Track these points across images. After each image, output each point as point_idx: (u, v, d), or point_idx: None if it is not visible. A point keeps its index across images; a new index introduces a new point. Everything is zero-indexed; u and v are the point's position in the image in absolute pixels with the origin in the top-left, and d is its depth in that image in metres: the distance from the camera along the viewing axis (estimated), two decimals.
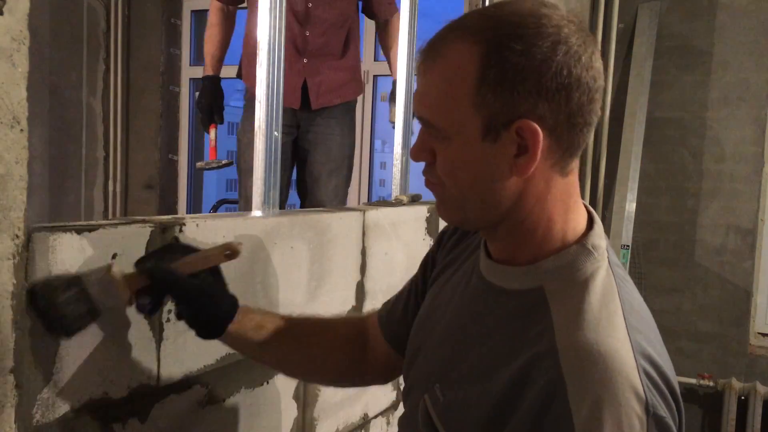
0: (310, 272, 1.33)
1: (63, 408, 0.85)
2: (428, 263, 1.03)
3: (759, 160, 3.09)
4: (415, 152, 0.80)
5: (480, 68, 0.70)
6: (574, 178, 0.78)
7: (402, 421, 0.94)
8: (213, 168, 2.33)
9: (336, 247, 1.41)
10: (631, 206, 3.18)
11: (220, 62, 2.32)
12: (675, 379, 0.72)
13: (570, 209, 0.78)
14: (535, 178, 0.74)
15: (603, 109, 3.29)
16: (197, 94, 3.93)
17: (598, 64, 0.73)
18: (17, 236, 0.77)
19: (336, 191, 2.27)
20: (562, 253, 0.76)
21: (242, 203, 2.36)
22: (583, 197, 3.35)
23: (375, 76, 3.61)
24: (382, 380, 1.14)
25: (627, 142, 3.20)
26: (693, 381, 3.14)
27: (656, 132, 3.25)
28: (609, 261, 0.77)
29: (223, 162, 2.33)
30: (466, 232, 0.96)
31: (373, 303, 1.57)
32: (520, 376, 0.71)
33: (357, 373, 1.08)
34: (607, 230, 3.25)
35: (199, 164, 2.41)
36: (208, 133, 2.33)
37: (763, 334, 3.15)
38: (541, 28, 0.70)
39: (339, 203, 2.28)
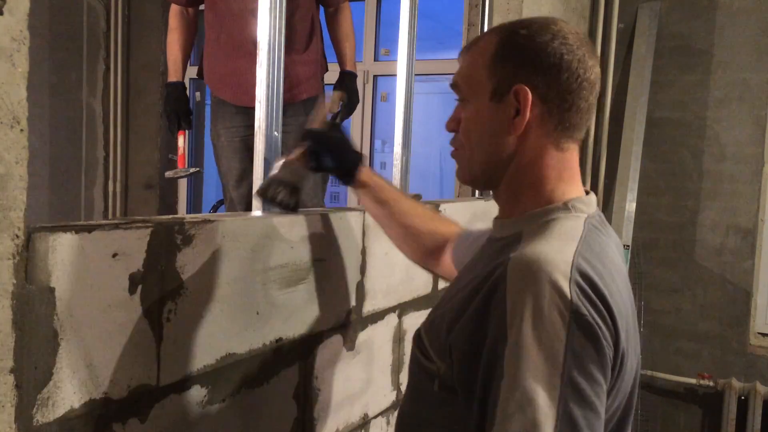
0: (309, 272, 1.33)
1: (63, 408, 0.85)
2: None
3: (759, 160, 3.09)
4: (448, 122, 1.02)
5: (496, 47, 0.93)
6: (571, 156, 0.95)
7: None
8: (181, 177, 2.33)
9: (336, 247, 1.41)
10: (631, 206, 3.18)
11: (183, 67, 2.28)
12: (617, 309, 0.81)
13: (563, 180, 0.94)
14: (529, 141, 0.92)
15: (602, 109, 3.29)
16: (197, 94, 3.93)
17: (591, 62, 0.92)
18: (17, 236, 0.77)
19: (315, 190, 2.18)
20: (544, 207, 0.93)
21: (227, 205, 2.32)
22: None
23: (375, 76, 3.61)
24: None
25: (627, 142, 3.20)
26: (693, 381, 3.14)
27: (656, 132, 3.25)
28: (588, 221, 0.91)
29: (191, 170, 2.31)
30: None
31: (373, 303, 1.57)
32: (482, 282, 0.85)
33: (434, 264, 1.38)
34: None
35: (168, 174, 2.39)
36: (176, 140, 2.32)
37: (763, 334, 3.15)
38: (545, 26, 0.92)
39: (318, 203, 2.19)
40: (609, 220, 3.23)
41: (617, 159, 3.24)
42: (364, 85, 3.53)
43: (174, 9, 2.28)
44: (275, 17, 1.37)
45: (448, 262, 1.32)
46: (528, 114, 0.90)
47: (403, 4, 1.86)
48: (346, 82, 2.28)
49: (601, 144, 3.31)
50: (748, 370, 3.10)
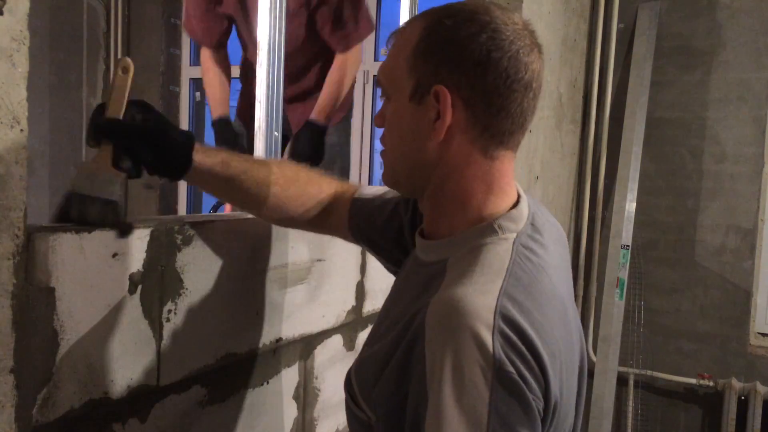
0: (309, 272, 1.33)
1: (63, 408, 0.85)
2: (416, 225, 1.04)
3: (759, 160, 3.09)
4: (375, 117, 0.92)
5: (418, 38, 0.82)
6: (502, 165, 0.84)
7: None
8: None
9: (336, 247, 1.41)
10: (631, 206, 3.18)
11: (224, 102, 2.18)
12: (548, 353, 0.74)
13: (493, 192, 0.84)
14: (453, 148, 0.82)
15: (602, 109, 3.28)
16: (197, 94, 3.92)
17: (528, 60, 0.80)
18: (17, 236, 0.77)
19: None
20: (471, 229, 0.83)
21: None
22: (582, 197, 3.37)
23: (375, 76, 3.61)
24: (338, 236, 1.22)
25: (627, 142, 3.20)
26: (693, 381, 3.14)
27: (656, 132, 3.25)
28: (516, 241, 0.82)
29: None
30: None
31: (373, 303, 1.57)
32: (404, 329, 0.78)
33: (317, 227, 1.17)
34: (607, 230, 3.25)
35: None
36: None
37: (763, 334, 3.15)
38: (475, 15, 0.80)
39: None
40: (609, 220, 3.24)
41: (617, 159, 3.24)
42: (364, 85, 3.52)
43: (204, 51, 2.22)
44: (275, 17, 1.37)
45: (342, 229, 1.14)
46: (449, 118, 0.80)
47: (403, 4, 1.86)
48: (305, 131, 2.04)
49: (601, 144, 3.31)
50: (748, 370, 3.10)
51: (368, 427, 0.84)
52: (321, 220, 1.13)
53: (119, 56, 3.71)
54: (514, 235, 0.82)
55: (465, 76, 0.79)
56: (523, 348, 0.71)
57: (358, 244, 1.16)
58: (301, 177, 1.13)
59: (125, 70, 0.93)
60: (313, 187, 1.13)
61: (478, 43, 0.78)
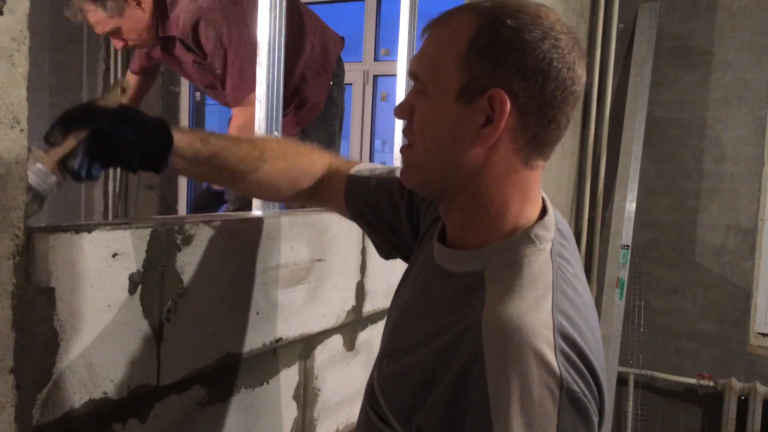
0: (309, 272, 1.33)
1: (63, 408, 0.85)
2: (413, 212, 1.03)
3: (759, 160, 3.09)
4: (398, 108, 0.84)
5: (473, 34, 0.75)
6: (537, 175, 0.81)
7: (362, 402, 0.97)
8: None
9: (336, 247, 1.41)
10: (631, 206, 3.18)
11: None
12: (600, 368, 0.73)
13: (528, 201, 0.81)
14: (498, 156, 0.77)
15: (602, 109, 3.29)
16: (197, 94, 3.92)
17: (581, 71, 0.77)
18: (17, 236, 0.77)
19: None
20: (507, 239, 0.79)
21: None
22: (582, 197, 3.37)
23: (375, 76, 3.61)
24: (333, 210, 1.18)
25: (627, 142, 3.20)
26: (693, 381, 3.14)
27: (656, 132, 3.25)
28: (552, 251, 0.79)
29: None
30: (436, 219, 0.96)
31: (373, 303, 1.57)
32: (450, 346, 0.74)
33: (311, 201, 1.14)
34: (607, 230, 3.25)
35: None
36: None
37: (763, 334, 3.15)
38: (536, 19, 0.75)
39: None
40: (609, 220, 3.24)
41: (617, 159, 3.24)
42: (364, 85, 3.53)
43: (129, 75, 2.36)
44: (275, 17, 1.37)
45: (338, 205, 1.10)
46: (502, 125, 0.75)
47: (403, 4, 1.86)
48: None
49: (601, 144, 3.31)
50: (748, 370, 3.10)
51: None
52: (314, 194, 1.10)
53: (119, 57, 3.70)
54: (550, 244, 0.80)
55: (524, 82, 0.74)
56: (582, 366, 0.70)
57: (353, 221, 1.13)
58: (289, 151, 1.09)
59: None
60: (303, 160, 1.08)
61: (542, 50, 0.74)
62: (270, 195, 1.13)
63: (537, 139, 0.77)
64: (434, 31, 0.80)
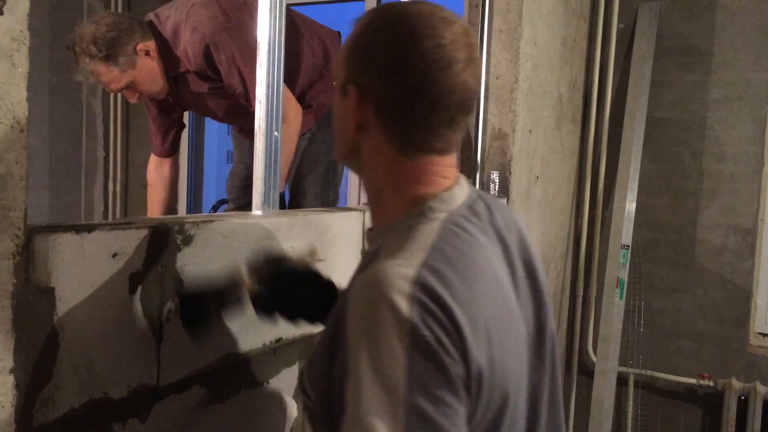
0: None
1: (63, 408, 0.85)
2: None
3: (759, 160, 3.09)
4: None
5: (354, 37, 0.88)
6: (426, 165, 0.87)
7: None
8: None
9: (336, 247, 1.41)
10: (631, 206, 3.18)
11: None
12: (470, 313, 0.76)
13: (422, 183, 0.87)
14: (371, 146, 0.88)
15: (602, 109, 3.29)
16: None
17: (443, 76, 0.82)
18: (17, 236, 0.77)
19: (323, 188, 2.25)
20: (405, 214, 0.86)
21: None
22: (582, 197, 3.36)
23: None
24: None
25: (627, 142, 3.20)
26: (693, 381, 3.14)
27: (656, 132, 3.25)
28: (446, 220, 0.84)
29: None
30: None
31: None
32: (337, 308, 0.82)
33: None
34: (607, 230, 3.25)
35: None
36: None
37: (763, 334, 3.15)
38: (394, 25, 0.84)
39: (325, 201, 2.25)
40: (609, 220, 3.24)
41: (617, 159, 3.24)
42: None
43: (152, 160, 2.32)
44: (275, 17, 1.37)
45: None
46: (357, 117, 0.86)
47: None
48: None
49: (601, 144, 3.31)
50: (748, 370, 3.10)
51: (315, 414, 0.86)
52: None
53: None
54: (444, 215, 0.84)
55: (377, 79, 0.84)
56: (440, 313, 0.73)
57: None
58: None
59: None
60: None
61: (390, 53, 0.82)
62: None
63: (400, 135, 0.85)
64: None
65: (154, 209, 2.30)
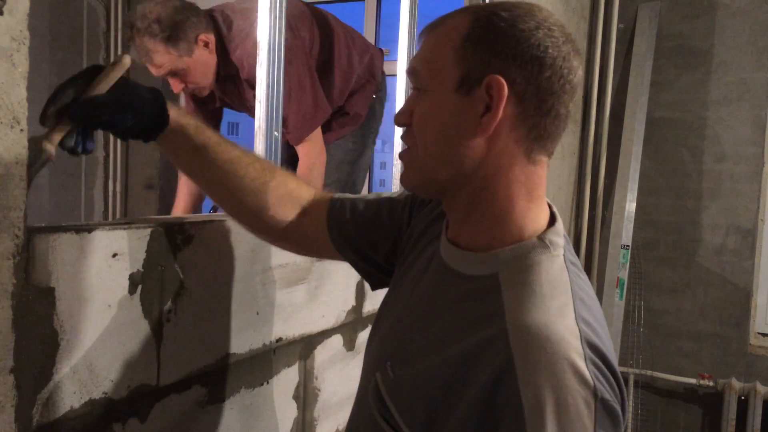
0: (309, 272, 1.33)
1: (63, 408, 0.85)
2: (403, 222, 1.00)
3: (759, 160, 3.09)
4: (397, 115, 0.84)
5: (468, 28, 0.76)
6: (542, 171, 0.80)
7: (356, 403, 0.95)
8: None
9: None
10: (631, 206, 3.18)
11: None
12: (619, 374, 0.73)
13: (533, 200, 0.80)
14: (499, 147, 0.77)
15: (602, 109, 3.29)
16: None
17: (576, 63, 0.78)
18: (17, 236, 0.77)
19: (352, 175, 2.27)
20: (521, 244, 0.78)
21: None
22: (582, 197, 3.36)
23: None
24: (301, 252, 1.14)
25: (627, 142, 3.20)
26: (693, 381, 3.14)
27: (656, 132, 3.25)
28: (565, 258, 0.79)
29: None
30: (434, 219, 0.95)
31: (373, 303, 1.57)
32: (472, 355, 0.73)
33: (282, 231, 1.04)
34: (607, 230, 3.25)
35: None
36: None
37: (763, 334, 3.15)
38: (529, 13, 0.76)
39: (352, 187, 2.28)
40: (609, 220, 3.24)
41: (617, 159, 3.24)
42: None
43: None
44: (275, 17, 1.37)
45: (320, 236, 1.04)
46: (500, 112, 0.74)
47: (403, 4, 1.86)
48: None
49: (601, 144, 3.31)
50: (748, 370, 3.10)
51: None
52: (295, 224, 1.03)
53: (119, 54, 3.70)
54: (563, 251, 0.79)
55: (521, 69, 0.74)
56: (609, 374, 0.70)
57: (336, 252, 1.06)
58: (278, 170, 1.05)
59: (121, 67, 0.88)
60: (292, 182, 1.04)
61: (536, 38, 0.74)
62: (248, 211, 1.02)
63: (537, 129, 0.77)
64: (431, 32, 0.81)
65: (181, 203, 2.27)
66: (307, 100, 1.97)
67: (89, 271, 0.88)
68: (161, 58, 1.90)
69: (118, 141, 3.75)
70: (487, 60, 0.75)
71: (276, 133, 1.40)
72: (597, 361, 0.70)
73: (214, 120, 2.27)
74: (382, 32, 3.58)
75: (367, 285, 1.54)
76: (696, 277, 3.19)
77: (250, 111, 2.17)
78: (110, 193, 3.75)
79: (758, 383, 3.01)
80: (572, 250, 0.83)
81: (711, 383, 3.11)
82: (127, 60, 0.88)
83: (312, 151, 2.00)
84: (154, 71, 1.99)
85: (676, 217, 3.24)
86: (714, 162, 3.17)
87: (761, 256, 3.12)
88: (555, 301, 0.73)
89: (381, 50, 2.36)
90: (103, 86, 0.86)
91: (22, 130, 0.76)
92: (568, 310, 0.72)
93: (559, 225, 0.82)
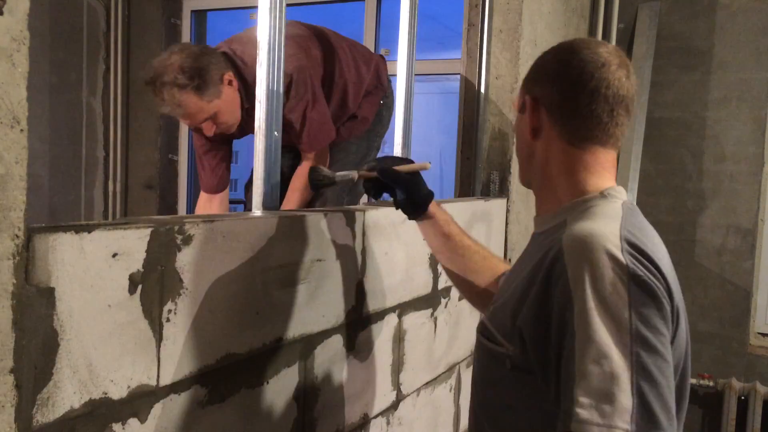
0: (310, 272, 1.33)
1: (63, 408, 0.85)
2: None
3: (759, 160, 3.09)
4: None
5: (530, 71, 1.11)
6: (594, 155, 1.04)
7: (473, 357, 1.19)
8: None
9: (336, 247, 1.41)
10: None
11: None
12: (664, 266, 0.91)
13: (592, 173, 1.04)
14: (544, 143, 1.06)
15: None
16: None
17: (600, 73, 1.01)
18: (17, 236, 0.77)
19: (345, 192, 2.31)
20: (582, 197, 1.02)
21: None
22: None
23: None
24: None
25: (627, 142, 3.20)
26: (693, 381, 3.14)
27: (656, 132, 3.25)
28: (624, 205, 0.99)
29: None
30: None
31: (373, 303, 1.57)
32: (538, 265, 0.95)
33: (480, 295, 1.40)
34: None
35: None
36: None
37: (763, 334, 3.15)
38: (563, 45, 1.07)
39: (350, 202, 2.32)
40: None
41: (617, 159, 3.24)
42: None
43: (202, 197, 2.27)
44: (275, 17, 1.37)
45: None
46: (533, 121, 1.06)
47: (403, 4, 1.86)
48: None
49: None
50: (748, 370, 3.10)
51: (504, 358, 0.99)
52: (491, 291, 1.34)
53: (119, 57, 3.70)
54: (621, 201, 1.01)
55: (545, 86, 1.05)
56: (647, 261, 0.88)
57: None
58: (493, 258, 1.43)
59: (421, 165, 1.37)
60: (501, 266, 1.39)
61: (555, 62, 1.05)
62: (465, 282, 1.42)
63: (570, 125, 1.03)
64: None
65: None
66: (326, 113, 2.03)
67: (89, 271, 0.88)
68: (194, 108, 1.87)
69: (118, 141, 3.76)
70: (528, 89, 1.08)
71: (276, 133, 1.40)
72: (634, 252, 0.88)
73: (228, 160, 2.28)
74: (382, 32, 3.58)
75: (367, 285, 1.54)
76: (696, 277, 3.19)
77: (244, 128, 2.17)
78: (110, 193, 3.75)
79: (758, 383, 3.01)
80: (637, 209, 1.03)
81: (711, 383, 3.11)
82: (427, 165, 1.37)
83: (320, 157, 2.08)
84: (188, 123, 1.95)
85: (676, 217, 3.24)
86: (714, 162, 3.17)
87: (761, 256, 3.12)
88: (603, 219, 0.94)
89: (383, 57, 2.40)
90: (405, 169, 1.35)
91: (22, 130, 0.76)
92: (615, 222, 0.93)
93: (621, 189, 1.04)
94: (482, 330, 1.09)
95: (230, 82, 1.93)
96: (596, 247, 0.87)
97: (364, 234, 1.51)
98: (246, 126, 2.10)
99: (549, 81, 1.04)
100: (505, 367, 0.99)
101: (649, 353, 0.81)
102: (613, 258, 0.86)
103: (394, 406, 1.71)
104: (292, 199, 2.05)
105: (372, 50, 3.56)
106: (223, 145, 2.23)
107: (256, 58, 1.67)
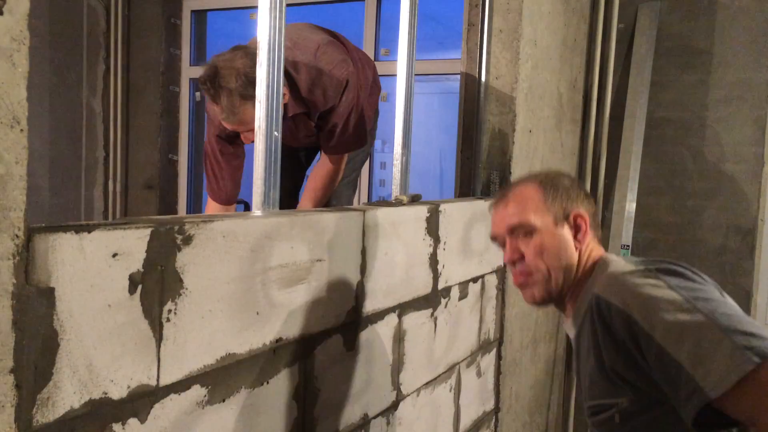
0: (309, 272, 1.33)
1: (63, 408, 0.85)
2: None
3: (759, 160, 3.09)
4: (508, 258, 1.36)
5: (541, 189, 1.37)
6: (596, 242, 1.42)
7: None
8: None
9: (336, 247, 1.41)
10: (631, 206, 3.18)
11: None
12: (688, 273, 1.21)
13: (594, 252, 1.39)
14: (584, 244, 1.36)
15: (602, 109, 3.29)
16: (197, 94, 3.93)
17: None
18: (17, 236, 0.77)
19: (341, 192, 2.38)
20: (592, 272, 1.34)
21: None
22: None
23: None
24: None
25: (627, 142, 3.20)
26: None
27: (656, 132, 3.25)
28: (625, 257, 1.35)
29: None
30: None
31: (373, 303, 1.57)
32: (588, 329, 1.24)
33: None
34: (607, 230, 3.25)
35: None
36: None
37: None
38: (563, 175, 1.45)
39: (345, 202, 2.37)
40: (609, 220, 3.24)
41: (617, 159, 3.24)
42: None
43: (211, 207, 2.26)
44: (275, 17, 1.37)
45: None
46: (590, 230, 1.36)
47: (403, 4, 1.86)
48: None
49: (601, 144, 3.31)
50: None
51: (615, 413, 1.18)
52: None
53: (119, 57, 3.70)
54: (616, 258, 1.34)
55: (580, 203, 1.38)
56: (666, 264, 1.19)
57: None
58: None
59: None
60: None
61: (573, 184, 1.41)
62: None
63: (593, 225, 1.39)
64: (506, 201, 1.38)
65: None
66: (364, 122, 2.12)
67: (89, 271, 0.88)
68: (250, 118, 1.78)
69: (118, 141, 3.76)
70: (566, 204, 1.35)
71: (276, 133, 1.40)
72: (651, 267, 1.19)
73: (243, 157, 2.24)
74: (382, 32, 3.58)
75: (367, 285, 1.54)
76: None
77: (302, 141, 2.20)
78: (110, 193, 3.75)
79: None
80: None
81: None
82: None
83: (342, 160, 2.18)
84: (234, 128, 1.87)
85: (676, 217, 3.24)
86: (714, 162, 3.17)
87: (761, 256, 3.12)
88: (619, 264, 1.28)
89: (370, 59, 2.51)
90: None
91: (22, 130, 0.76)
92: (632, 263, 1.24)
93: (610, 254, 1.38)
94: (591, 412, 1.26)
95: (284, 95, 1.87)
96: (618, 274, 1.17)
97: (364, 234, 1.51)
98: (287, 134, 2.10)
99: (579, 199, 1.39)
100: (614, 421, 1.18)
101: (728, 316, 1.04)
102: (633, 272, 1.17)
103: (394, 406, 1.71)
104: (311, 198, 2.08)
105: (372, 50, 3.57)
106: (242, 150, 2.20)
107: (310, 66, 1.67)
